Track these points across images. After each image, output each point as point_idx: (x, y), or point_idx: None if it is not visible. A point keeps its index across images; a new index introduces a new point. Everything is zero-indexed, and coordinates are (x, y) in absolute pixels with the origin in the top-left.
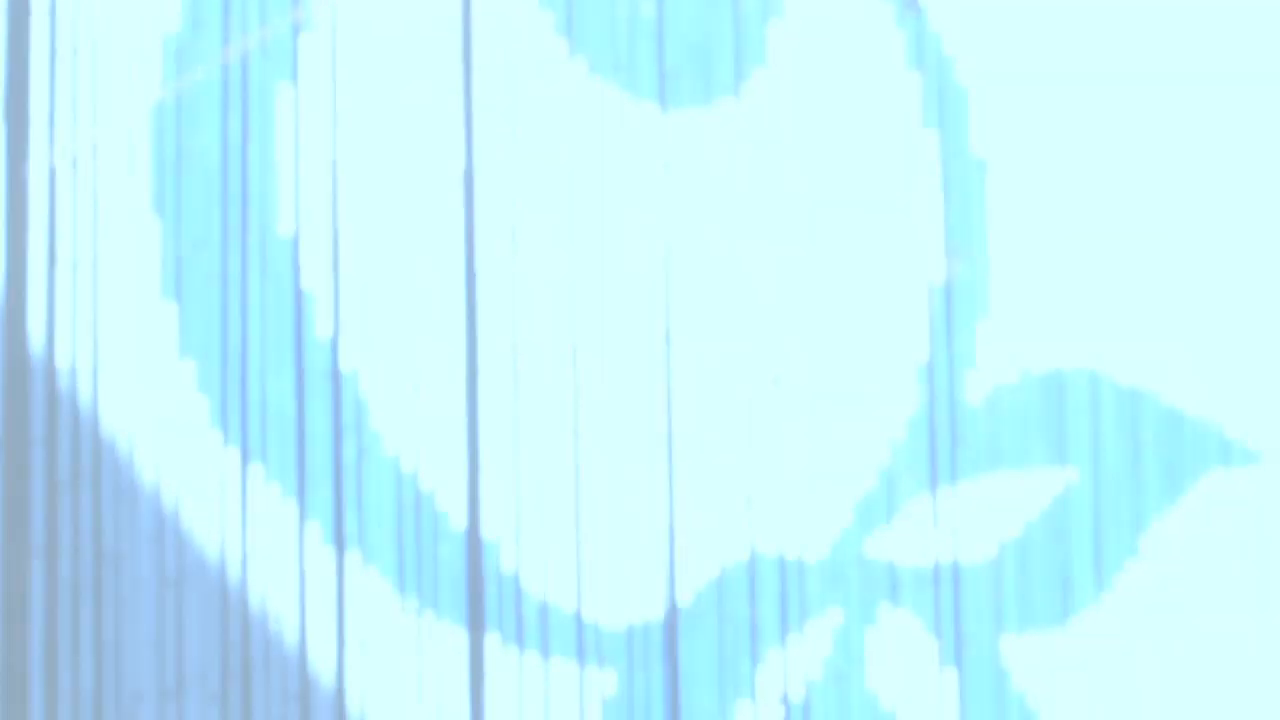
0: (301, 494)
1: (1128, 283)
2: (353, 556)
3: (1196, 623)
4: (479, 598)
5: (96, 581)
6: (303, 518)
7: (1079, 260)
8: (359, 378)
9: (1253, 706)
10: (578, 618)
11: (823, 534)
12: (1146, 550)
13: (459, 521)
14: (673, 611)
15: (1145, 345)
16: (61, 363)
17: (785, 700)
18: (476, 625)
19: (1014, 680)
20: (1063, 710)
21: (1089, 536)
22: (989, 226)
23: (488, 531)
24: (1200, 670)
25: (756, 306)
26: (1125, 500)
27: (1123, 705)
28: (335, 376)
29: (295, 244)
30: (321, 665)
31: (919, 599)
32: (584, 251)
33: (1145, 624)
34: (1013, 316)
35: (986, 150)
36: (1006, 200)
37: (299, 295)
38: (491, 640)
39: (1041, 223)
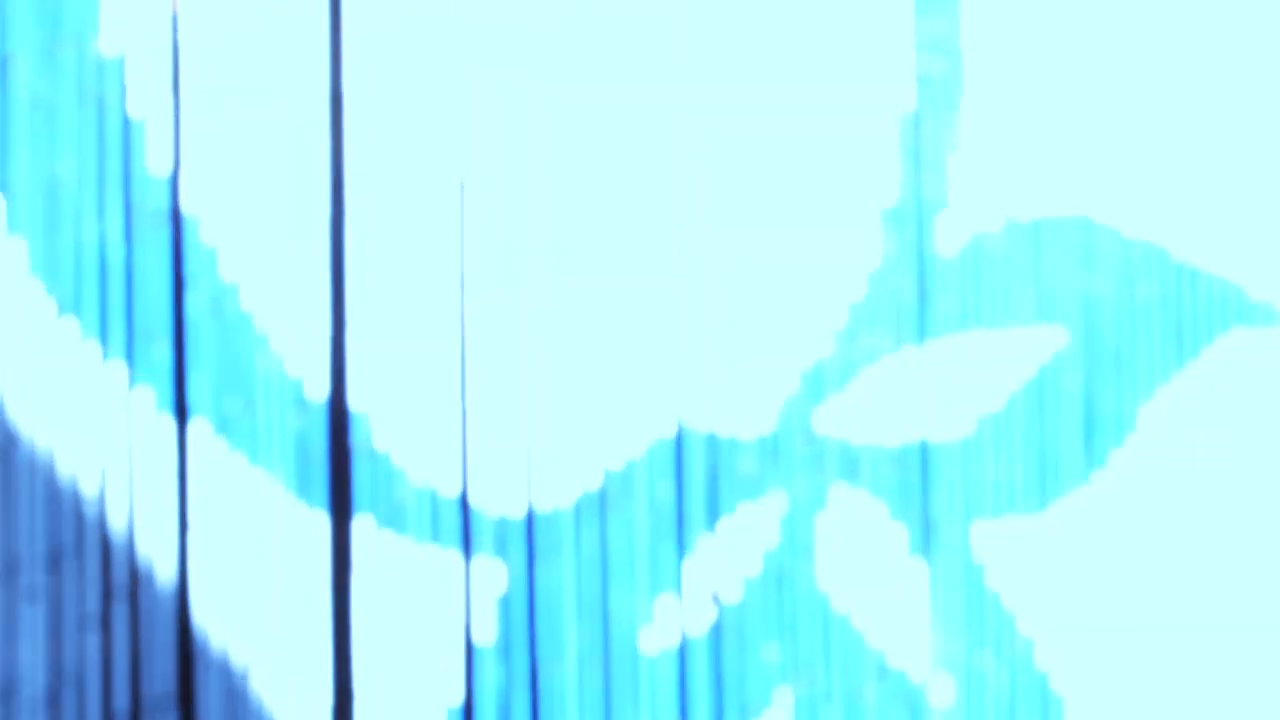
0: (131, 354)
1: (1133, 113)
2: (195, 428)
3: (1200, 507)
4: (344, 478)
5: None
6: (133, 382)
7: (1076, 84)
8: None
9: (1265, 599)
10: (463, 501)
11: (765, 406)
12: (1146, 424)
13: (319, 390)
14: (583, 495)
15: (1150, 186)
16: None
17: (717, 598)
18: (341, 510)
19: (992, 572)
20: (1047, 605)
21: (1079, 409)
22: (962, 38)
23: (355, 402)
24: (1205, 558)
25: (683, 142)
26: (1124, 367)
27: (1116, 600)
28: (175, 218)
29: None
30: (158, 553)
31: (880, 480)
32: (483, 87)
33: (1142, 509)
34: (992, 151)
35: None
36: (986, 7)
37: (127, 125)
38: (362, 526)
39: (1029, 36)
